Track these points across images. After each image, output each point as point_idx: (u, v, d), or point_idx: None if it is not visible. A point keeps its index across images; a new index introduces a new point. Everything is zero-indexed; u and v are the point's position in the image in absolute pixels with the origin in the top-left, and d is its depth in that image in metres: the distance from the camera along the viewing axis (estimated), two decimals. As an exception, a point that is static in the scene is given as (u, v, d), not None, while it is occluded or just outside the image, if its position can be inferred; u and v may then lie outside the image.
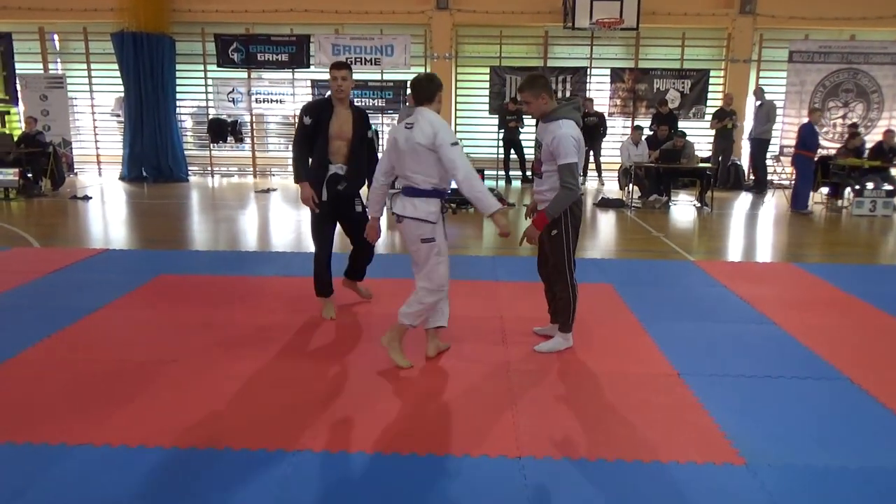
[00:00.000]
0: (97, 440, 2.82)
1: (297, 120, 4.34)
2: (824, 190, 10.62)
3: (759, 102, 12.12)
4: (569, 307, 3.94)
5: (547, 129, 3.73)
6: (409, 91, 3.71)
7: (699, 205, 10.20)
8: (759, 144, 12.11)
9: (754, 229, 8.99)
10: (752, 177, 12.70)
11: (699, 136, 12.40)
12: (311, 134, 4.18)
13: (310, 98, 13.18)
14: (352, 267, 4.75)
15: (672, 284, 5.57)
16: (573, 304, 3.93)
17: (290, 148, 4.37)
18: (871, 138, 11.71)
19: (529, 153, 12.80)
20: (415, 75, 3.80)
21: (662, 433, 2.98)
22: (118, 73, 12.73)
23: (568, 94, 12.61)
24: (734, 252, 7.48)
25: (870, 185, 9.88)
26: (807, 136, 9.72)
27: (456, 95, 13.43)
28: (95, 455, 2.72)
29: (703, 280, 5.71)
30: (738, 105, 12.64)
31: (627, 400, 3.34)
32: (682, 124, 12.17)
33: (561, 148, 3.61)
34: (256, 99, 13.45)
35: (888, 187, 9.89)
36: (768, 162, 12.36)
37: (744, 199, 11.41)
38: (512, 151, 12.65)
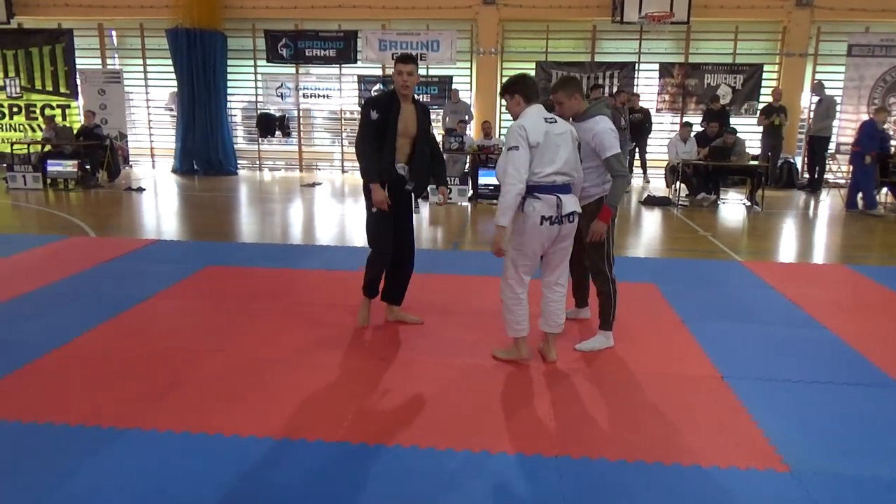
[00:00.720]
0: (146, 424, 2.92)
1: (360, 114, 4.01)
2: (884, 190, 10.22)
3: (818, 98, 11.73)
4: (609, 303, 3.91)
5: (583, 127, 3.76)
6: (513, 88, 3.56)
7: (749, 204, 9.93)
8: (818, 142, 11.72)
9: (806, 230, 8.71)
10: (805, 175, 12.31)
11: (751, 133, 12.06)
12: (378, 130, 3.93)
13: (356, 93, 13.33)
14: (394, 282, 4.33)
15: (718, 285, 5.45)
16: (614, 300, 3.91)
17: (354, 145, 4.06)
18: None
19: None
20: (519, 74, 3.72)
21: (704, 436, 2.93)
22: (172, 69, 13.09)
23: (615, 89, 12.42)
24: (784, 253, 7.26)
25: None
26: (867, 135, 9.36)
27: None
28: (146, 439, 2.82)
29: (751, 281, 5.56)
30: (792, 101, 12.26)
31: (668, 401, 3.28)
32: (733, 121, 11.85)
33: (605, 142, 3.66)
34: (304, 94, 13.64)
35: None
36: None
37: (796, 199, 11.07)
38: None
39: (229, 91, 13.65)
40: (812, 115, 12.07)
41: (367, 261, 4.22)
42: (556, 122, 3.52)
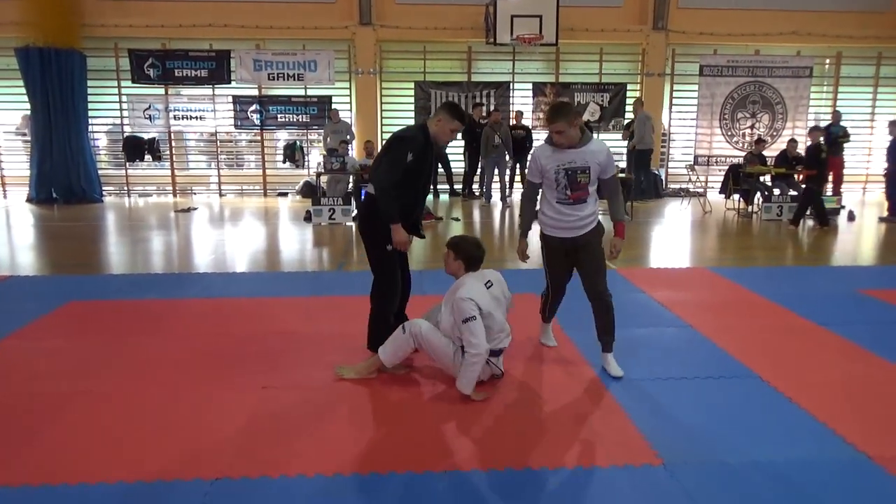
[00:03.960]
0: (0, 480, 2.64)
1: (391, 151, 3.79)
2: (736, 196, 11.18)
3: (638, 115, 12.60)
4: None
5: (587, 151, 3.77)
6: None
7: (620, 214, 10.50)
8: (640, 155, 12.44)
9: (671, 236, 9.33)
10: (669, 185, 13.21)
11: (619, 148, 12.80)
12: (411, 172, 3.79)
13: (231, 114, 12.92)
14: (398, 318, 4.06)
15: (595, 292, 5.69)
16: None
17: (379, 181, 3.72)
18: (778, 146, 12.42)
19: (456, 167, 12.93)
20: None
21: (585, 438, 3.04)
22: (24, 91, 12.10)
23: (492, 107, 12.81)
24: (653, 259, 7.74)
25: (776, 192, 10.48)
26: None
27: (382, 110, 13.43)
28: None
29: (624, 286, 5.87)
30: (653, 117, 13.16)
31: (550, 407, 3.39)
32: (602, 136, 12.54)
33: (613, 162, 3.90)
34: (175, 115, 13.04)
35: (792, 193, 10.50)
36: (682, 171, 12.90)
37: (661, 208, 11.85)
38: (439, 166, 12.72)
39: (91, 113, 12.79)
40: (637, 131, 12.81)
41: (377, 312, 3.92)
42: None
